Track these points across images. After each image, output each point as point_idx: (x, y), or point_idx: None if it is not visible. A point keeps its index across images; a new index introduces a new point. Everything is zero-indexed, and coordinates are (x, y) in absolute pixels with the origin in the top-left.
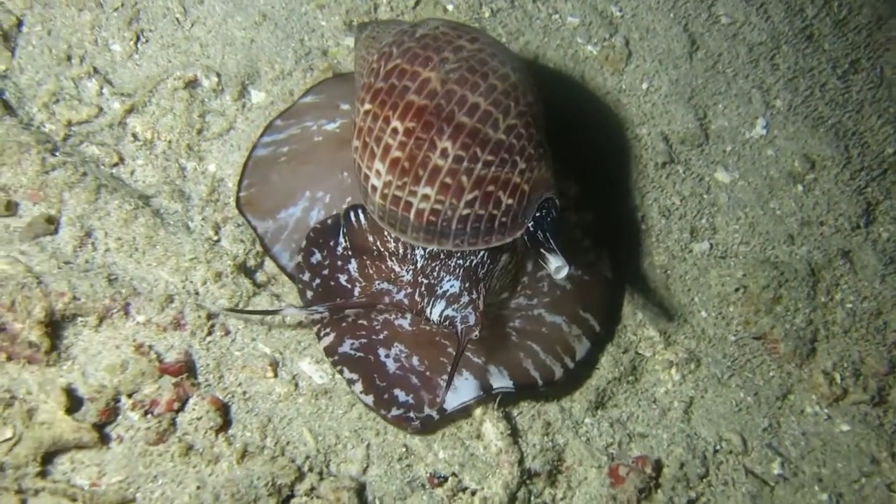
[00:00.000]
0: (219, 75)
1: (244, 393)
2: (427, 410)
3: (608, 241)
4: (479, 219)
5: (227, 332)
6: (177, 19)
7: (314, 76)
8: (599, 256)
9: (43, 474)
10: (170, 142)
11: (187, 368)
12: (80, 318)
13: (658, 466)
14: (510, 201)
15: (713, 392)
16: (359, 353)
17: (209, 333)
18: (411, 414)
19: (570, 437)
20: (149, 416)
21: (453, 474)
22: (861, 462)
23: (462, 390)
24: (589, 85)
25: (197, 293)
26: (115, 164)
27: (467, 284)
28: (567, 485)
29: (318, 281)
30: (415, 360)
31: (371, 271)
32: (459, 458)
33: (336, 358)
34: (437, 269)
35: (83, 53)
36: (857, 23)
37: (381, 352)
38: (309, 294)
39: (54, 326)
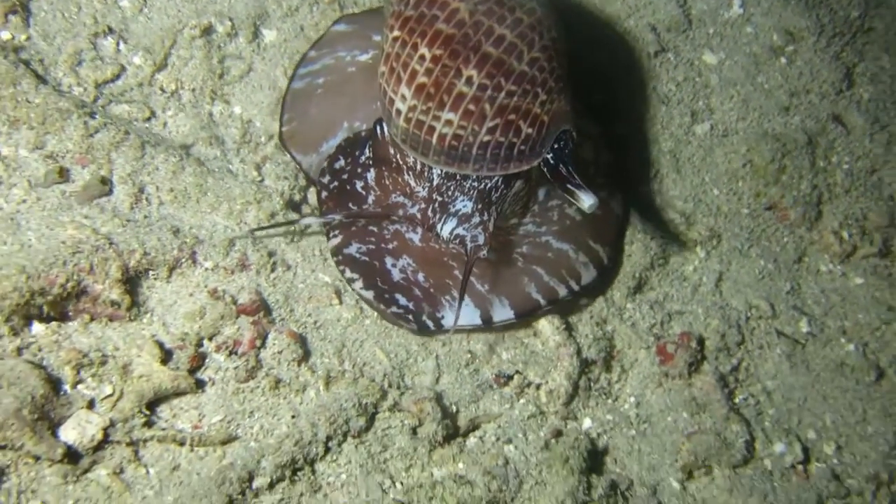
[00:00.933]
0: (231, 19)
1: (315, 322)
2: (425, 320)
3: (622, 180)
4: (500, 146)
5: (289, 267)
6: None
7: (321, 9)
8: (612, 194)
9: (149, 424)
10: (194, 90)
11: (262, 306)
12: (151, 272)
13: (701, 340)
14: (530, 130)
15: (737, 264)
16: (364, 257)
17: (272, 270)
18: (410, 317)
19: (617, 323)
20: (234, 356)
21: (517, 372)
22: (878, 311)
23: (463, 315)
24: None
25: (254, 233)
26: (148, 119)
27: (480, 206)
28: (621, 368)
29: (335, 184)
30: (420, 276)
31: (388, 182)
32: (522, 357)
33: (340, 258)
34: (451, 188)
35: (94, 13)
36: None
37: (388, 260)
38: (324, 194)
39: (130, 283)
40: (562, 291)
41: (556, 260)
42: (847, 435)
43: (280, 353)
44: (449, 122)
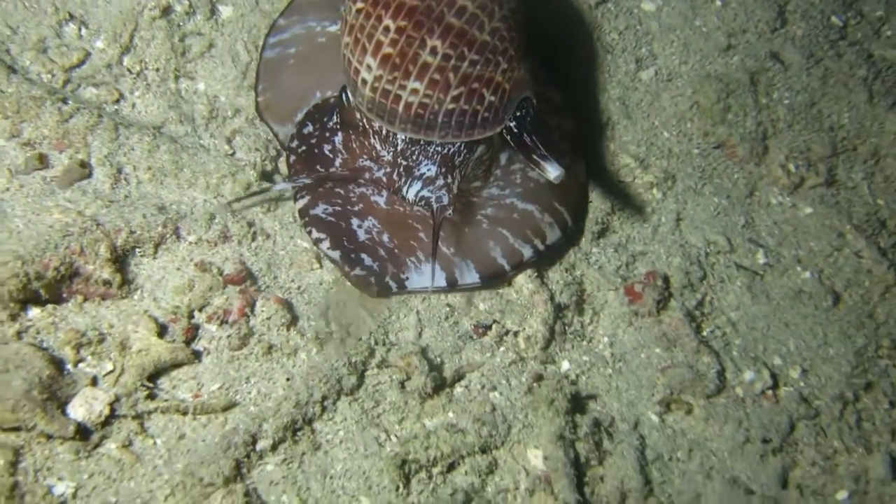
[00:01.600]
0: None
1: (298, 287)
2: (388, 280)
3: (583, 147)
4: (464, 113)
5: (268, 236)
6: None
7: None
8: (576, 160)
9: (151, 396)
10: (158, 69)
11: (247, 275)
12: (138, 250)
13: (665, 278)
14: (492, 98)
15: (692, 202)
16: (330, 218)
17: (253, 240)
18: (372, 279)
19: (585, 268)
20: (226, 325)
21: (495, 321)
22: (829, 238)
23: (426, 277)
24: None
25: (231, 205)
26: (117, 101)
27: (443, 169)
28: (592, 310)
29: (303, 147)
30: (385, 237)
31: (354, 145)
32: (498, 306)
33: (307, 219)
34: (416, 153)
35: (54, 1)
36: None
37: (354, 221)
38: (292, 158)
39: (119, 262)
40: (527, 253)
41: (521, 220)
42: (811, 358)
43: (269, 319)
44: (415, 91)
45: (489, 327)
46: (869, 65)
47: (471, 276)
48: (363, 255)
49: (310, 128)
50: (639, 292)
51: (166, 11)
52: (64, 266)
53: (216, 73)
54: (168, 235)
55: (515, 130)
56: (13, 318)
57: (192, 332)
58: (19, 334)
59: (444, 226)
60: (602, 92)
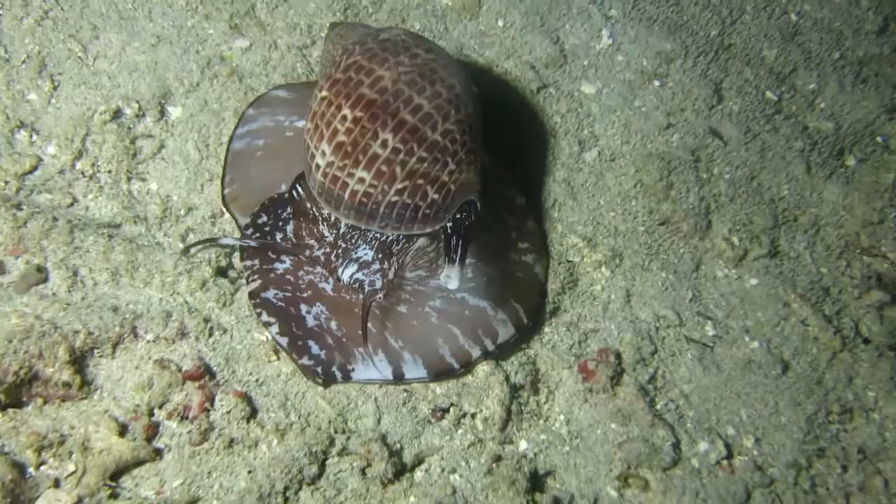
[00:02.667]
0: (137, 101)
1: (257, 380)
2: (335, 370)
3: (545, 247)
4: (406, 207)
5: (225, 331)
6: (79, 58)
7: (221, 83)
8: (537, 259)
9: (114, 496)
10: (111, 171)
11: (206, 371)
12: (96, 350)
13: (618, 354)
14: (436, 196)
15: (640, 279)
16: (280, 303)
17: (210, 335)
18: (319, 369)
19: (538, 347)
20: (186, 420)
21: (452, 404)
22: (776, 307)
23: (373, 370)
24: (453, 34)
25: (187, 302)
26: (71, 205)
27: (380, 255)
28: (548, 389)
29: (257, 235)
30: (333, 324)
31: (304, 233)
32: (455, 389)
33: (257, 301)
34: (355, 237)
35: (4, 109)
36: None
37: (303, 307)
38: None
39: (78, 363)
40: (475, 353)
41: (472, 317)
42: (763, 427)
43: (229, 412)
44: (361, 180)
45: (447, 410)
46: (805, 137)
47: (418, 372)
48: (311, 343)
49: (264, 218)
50: (592, 370)
51: (116, 115)
52: (23, 370)
53: (168, 174)
54: (126, 335)
55: (449, 230)
56: None
57: (153, 430)
58: None
59: (392, 317)
60: (548, 174)
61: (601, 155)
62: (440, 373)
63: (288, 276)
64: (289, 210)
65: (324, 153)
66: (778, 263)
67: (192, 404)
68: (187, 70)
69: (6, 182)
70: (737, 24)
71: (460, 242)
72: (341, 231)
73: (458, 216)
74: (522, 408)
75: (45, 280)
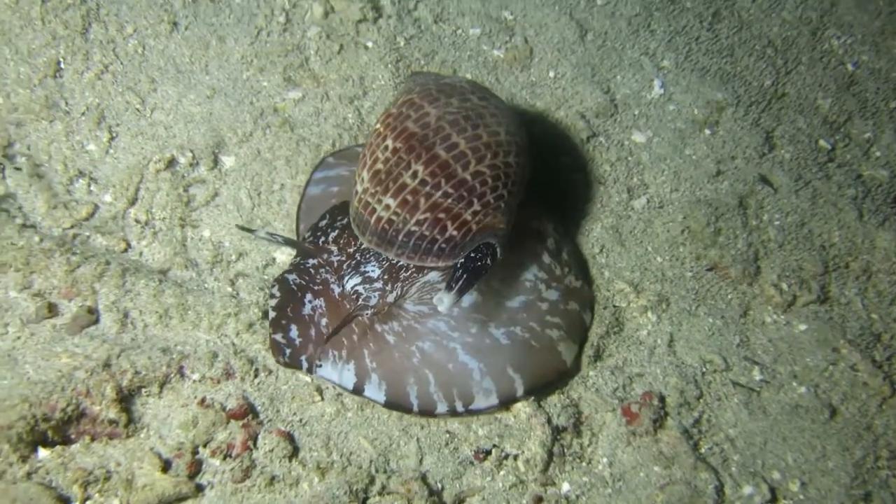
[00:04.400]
0: (191, 150)
1: (300, 420)
2: (302, 359)
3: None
4: (423, 238)
5: (270, 372)
6: (137, 110)
7: (273, 132)
8: (565, 339)
9: None
10: (164, 219)
11: (249, 410)
12: (144, 389)
13: (662, 397)
14: (455, 233)
15: (687, 324)
16: (293, 286)
17: (255, 376)
18: (288, 350)
19: (582, 390)
20: (229, 458)
21: (495, 446)
22: (824, 353)
23: (338, 374)
24: (504, 85)
25: (234, 344)
26: (125, 250)
27: (386, 277)
28: (591, 432)
29: (312, 234)
30: (323, 321)
31: (342, 242)
32: (497, 431)
33: (278, 277)
34: (369, 253)
35: (64, 159)
36: None
37: (308, 296)
38: (308, 245)
39: (125, 401)
40: (440, 407)
41: (454, 374)
42: (809, 472)
43: (271, 451)
44: (387, 207)
45: (489, 452)
46: (858, 184)
47: (376, 395)
48: (293, 326)
49: (325, 220)
50: (636, 413)
51: (171, 164)
52: (71, 407)
53: (220, 220)
54: (173, 374)
55: (459, 266)
56: (23, 459)
57: (196, 467)
58: (29, 475)
59: (377, 341)
60: (596, 221)
61: (650, 202)
62: (395, 406)
63: (311, 269)
64: (345, 220)
65: (363, 179)
66: (828, 309)
67: (236, 442)
68: (241, 121)
69: (63, 228)
70: (791, 75)
71: (465, 276)
72: (361, 246)
73: (472, 254)
74: (565, 450)
75: (97, 322)
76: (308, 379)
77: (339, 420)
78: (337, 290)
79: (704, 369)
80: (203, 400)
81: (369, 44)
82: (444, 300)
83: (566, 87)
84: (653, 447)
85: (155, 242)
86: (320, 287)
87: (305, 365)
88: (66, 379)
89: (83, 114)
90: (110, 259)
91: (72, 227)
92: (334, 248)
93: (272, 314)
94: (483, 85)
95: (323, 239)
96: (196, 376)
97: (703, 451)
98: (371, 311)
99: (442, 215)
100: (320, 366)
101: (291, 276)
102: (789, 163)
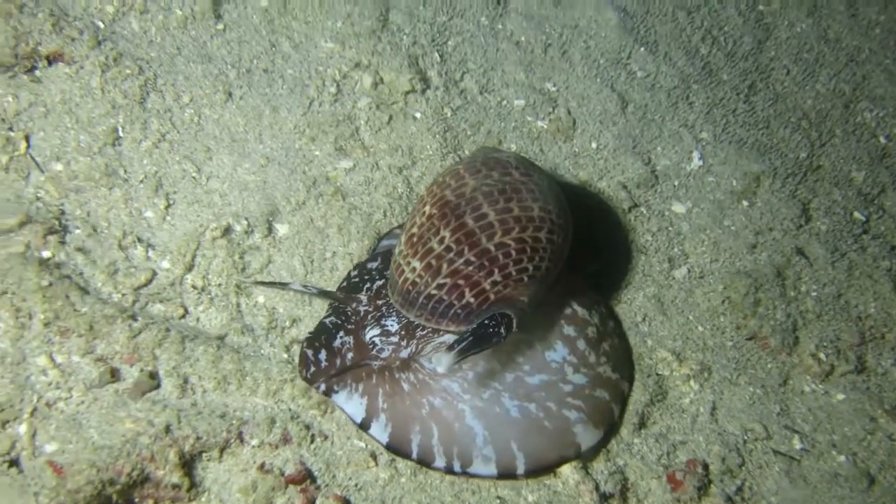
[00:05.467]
0: (247, 219)
1: (356, 485)
2: (322, 382)
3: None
4: (440, 302)
5: (326, 437)
6: (194, 178)
7: (325, 201)
8: (585, 423)
9: None
10: (220, 285)
11: (307, 475)
12: (204, 454)
13: (706, 465)
14: (471, 300)
15: (728, 392)
16: (329, 325)
17: (312, 441)
18: (312, 368)
19: (627, 458)
20: None
21: None
22: (863, 423)
23: (350, 405)
24: (548, 155)
25: (290, 409)
26: (182, 316)
27: (403, 332)
28: (636, 499)
29: (356, 276)
30: (349, 356)
31: (382, 293)
32: (546, 497)
33: (318, 325)
34: (392, 308)
35: (123, 226)
36: (742, 51)
37: (341, 333)
38: (344, 282)
39: (187, 466)
40: (437, 462)
41: (457, 433)
42: None
43: None
44: (413, 269)
45: None
46: (892, 256)
47: (380, 435)
48: (322, 351)
49: (373, 264)
50: (680, 480)
51: (227, 231)
52: (136, 472)
53: (275, 288)
54: (232, 440)
55: (468, 331)
56: None
57: None
58: None
59: (395, 385)
60: (639, 290)
61: (691, 272)
62: (396, 450)
63: (348, 313)
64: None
65: (401, 241)
66: (865, 379)
67: None
68: (294, 189)
69: (123, 294)
70: (826, 147)
71: (470, 339)
72: (388, 302)
73: (485, 321)
74: None
75: (158, 387)
76: (362, 444)
77: (392, 485)
78: (366, 333)
79: (746, 437)
80: (262, 465)
81: (417, 114)
82: (441, 360)
83: (608, 158)
84: None
85: (211, 308)
86: (352, 327)
87: (323, 388)
88: (130, 444)
89: (141, 181)
90: (170, 326)
91: (132, 292)
92: (364, 298)
93: (306, 338)
94: (531, 162)
95: (367, 286)
96: (255, 442)
97: None
98: (379, 363)
99: (461, 282)
100: (336, 392)
101: (329, 319)
102: (825, 234)
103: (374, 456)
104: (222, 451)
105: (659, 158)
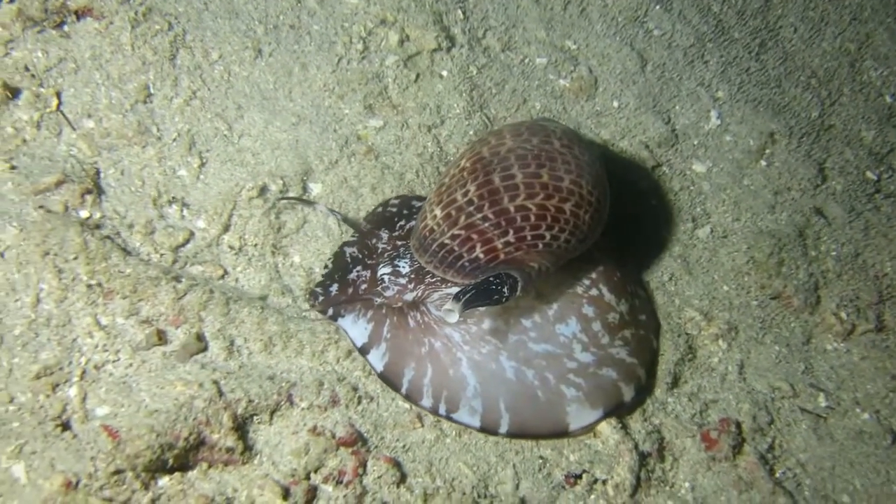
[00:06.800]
0: (282, 178)
1: (403, 446)
2: (331, 308)
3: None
4: (450, 252)
5: (372, 399)
6: (225, 136)
7: (358, 160)
8: (580, 403)
9: None
10: (256, 245)
11: (358, 437)
12: (255, 417)
13: (738, 424)
14: (481, 255)
15: (755, 351)
16: (347, 258)
17: (359, 403)
18: (320, 297)
19: (662, 417)
20: (341, 485)
21: (585, 471)
22: (884, 380)
23: (355, 328)
24: (571, 114)
25: (335, 371)
26: (222, 277)
27: (413, 276)
28: (672, 457)
29: (379, 210)
30: (362, 287)
31: (402, 234)
32: (587, 457)
33: (336, 251)
34: (408, 251)
35: (157, 184)
36: (751, 9)
37: (358, 268)
38: (370, 213)
39: (240, 429)
40: (424, 401)
41: (450, 378)
42: (876, 496)
43: (380, 477)
44: (434, 217)
45: (580, 476)
46: None
47: (376, 362)
48: (333, 287)
49: (395, 204)
50: (714, 439)
51: (263, 191)
52: (193, 436)
53: (310, 247)
54: (282, 402)
55: (472, 284)
56: (145, 486)
57: (312, 494)
58: (153, 502)
59: (401, 321)
60: (665, 250)
61: (713, 232)
62: (387, 381)
63: (370, 245)
64: (411, 217)
65: (432, 190)
66: (884, 338)
67: (347, 469)
68: (327, 148)
69: (161, 255)
70: (835, 106)
71: (474, 292)
72: (408, 245)
73: (491, 278)
74: (650, 475)
75: (205, 349)
76: (407, 406)
77: (438, 446)
78: (381, 270)
79: (773, 396)
80: (314, 427)
81: (444, 73)
82: (453, 311)
83: (630, 117)
84: (731, 472)
85: (250, 269)
86: (372, 262)
87: (331, 312)
88: (186, 408)
89: (174, 139)
90: (214, 287)
91: (170, 253)
92: (384, 236)
93: (320, 279)
94: (580, 137)
95: (391, 223)
96: (304, 404)
97: (777, 475)
98: (381, 301)
99: (475, 236)
100: (343, 317)
101: (350, 249)
102: (841, 194)
103: (419, 417)
104: (272, 413)
105: (678, 117)
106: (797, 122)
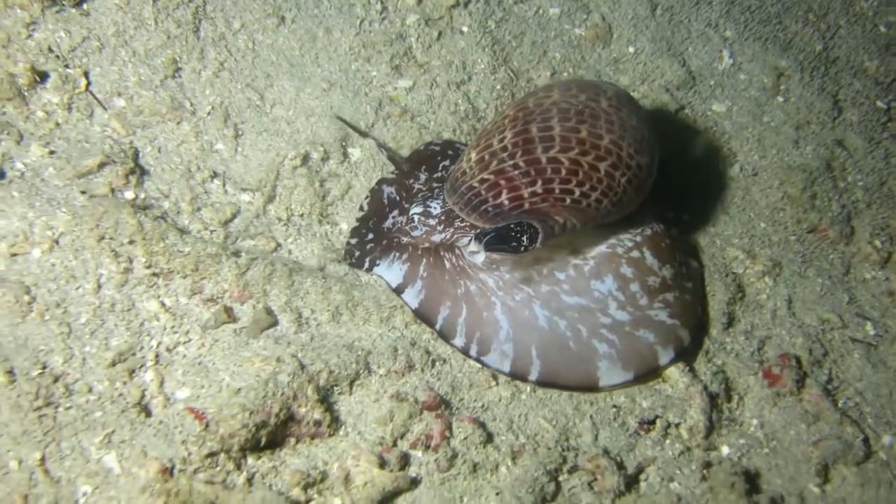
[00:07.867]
0: (322, 145)
1: (482, 406)
2: (367, 259)
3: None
4: (477, 195)
5: (445, 361)
6: (258, 106)
7: (394, 122)
8: (611, 360)
9: None
10: (302, 215)
11: (441, 400)
12: (336, 388)
13: (797, 358)
14: (505, 202)
15: (800, 286)
16: (385, 199)
17: (433, 366)
18: (356, 252)
19: (724, 357)
20: (429, 449)
21: (658, 416)
22: None
23: (390, 271)
24: (589, 62)
25: (405, 336)
26: (275, 249)
27: (443, 217)
28: (738, 396)
29: (422, 148)
30: (396, 233)
31: (438, 174)
32: (659, 402)
33: (374, 188)
34: (441, 192)
35: (195, 159)
36: None
37: (395, 212)
38: (412, 152)
39: (325, 401)
40: (457, 341)
41: (484, 321)
42: None
43: (466, 438)
44: (469, 160)
45: (653, 422)
46: None
47: (411, 300)
48: (369, 235)
49: (434, 148)
50: (777, 374)
51: (305, 160)
52: (283, 412)
53: (355, 213)
54: (361, 371)
55: (492, 228)
56: (238, 466)
57: (404, 460)
58: (249, 481)
59: (438, 262)
60: (698, 192)
61: (742, 170)
62: (423, 317)
63: (410, 187)
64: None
65: (477, 135)
66: None
67: (434, 433)
68: (362, 112)
69: (212, 231)
70: (836, 39)
71: (493, 234)
72: (441, 187)
73: (511, 225)
74: (720, 415)
75: (275, 323)
76: (478, 365)
77: (515, 403)
78: (416, 210)
79: (823, 328)
80: (396, 394)
81: (464, 28)
82: (477, 252)
83: (647, 62)
84: (797, 406)
85: (301, 239)
86: (406, 205)
87: (367, 265)
88: (272, 383)
89: (209, 113)
90: (274, 260)
91: (221, 228)
92: (423, 177)
93: (355, 223)
94: (632, 100)
95: (435, 162)
96: (382, 371)
97: (840, 405)
98: (408, 240)
99: (502, 182)
100: (378, 264)
101: (388, 189)
102: (857, 125)
103: (494, 377)
104: (352, 383)
105: (692, 59)
106: (805, 57)
